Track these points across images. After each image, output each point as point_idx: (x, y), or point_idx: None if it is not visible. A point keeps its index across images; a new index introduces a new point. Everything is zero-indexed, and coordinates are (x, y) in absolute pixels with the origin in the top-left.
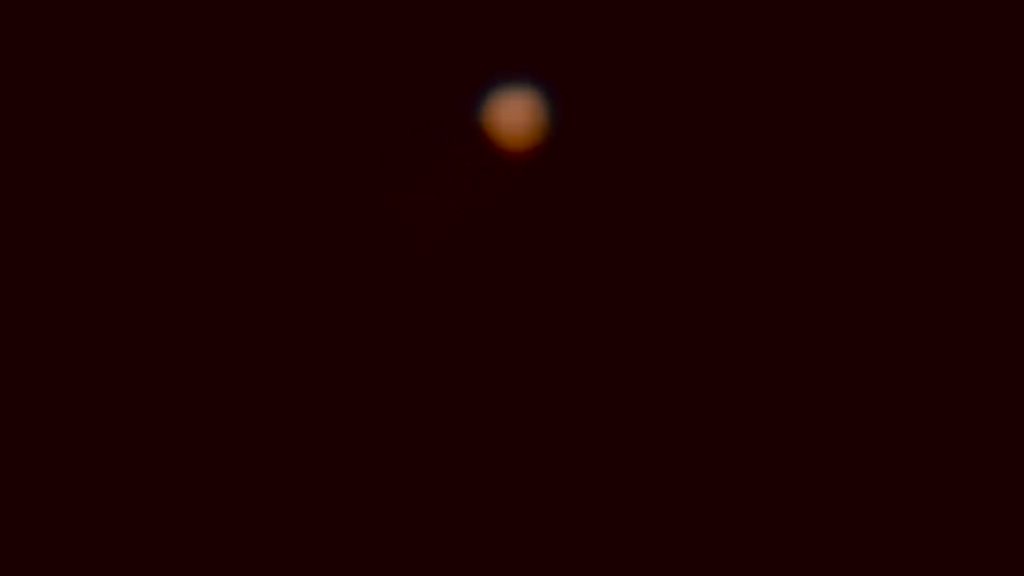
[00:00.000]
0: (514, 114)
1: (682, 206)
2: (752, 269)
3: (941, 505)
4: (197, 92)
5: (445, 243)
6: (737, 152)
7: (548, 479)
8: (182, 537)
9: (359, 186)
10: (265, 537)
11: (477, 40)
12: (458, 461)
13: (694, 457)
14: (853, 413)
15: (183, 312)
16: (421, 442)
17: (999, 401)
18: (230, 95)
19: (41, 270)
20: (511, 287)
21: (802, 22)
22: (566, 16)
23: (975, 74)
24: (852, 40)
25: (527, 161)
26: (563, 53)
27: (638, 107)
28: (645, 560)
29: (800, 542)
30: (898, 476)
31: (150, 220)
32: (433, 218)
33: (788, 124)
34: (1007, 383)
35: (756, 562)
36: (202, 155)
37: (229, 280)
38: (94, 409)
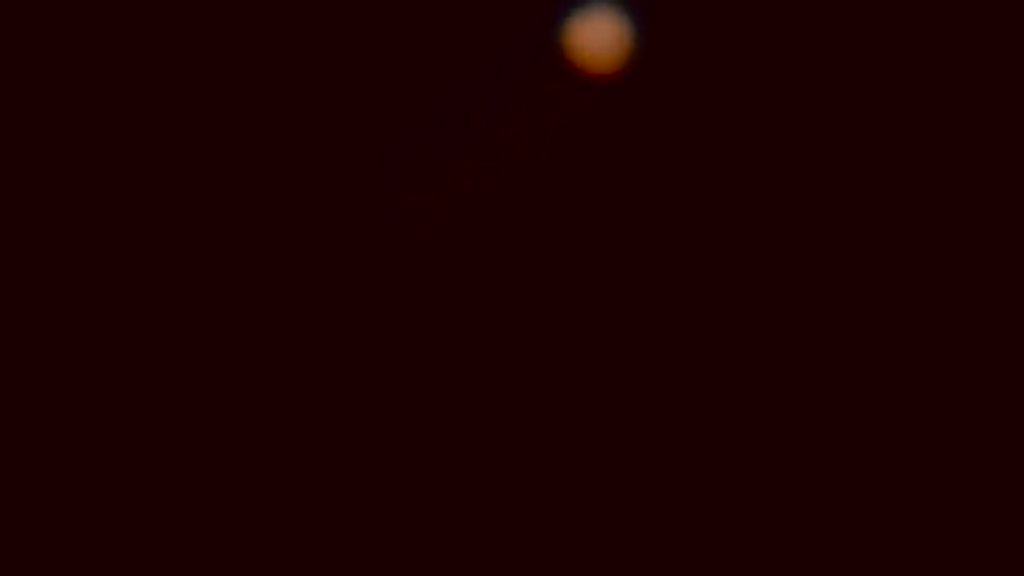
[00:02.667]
0: (597, 35)
1: (773, 136)
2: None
3: (941, 505)
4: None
5: (528, 168)
6: (840, 82)
7: (561, 477)
8: (182, 537)
9: (437, 107)
10: (265, 537)
11: None
12: (472, 457)
13: (701, 455)
14: (856, 413)
15: (185, 310)
16: (441, 436)
17: (999, 401)
18: (276, 53)
19: (41, 270)
20: (596, 214)
21: None
22: None
23: (975, 74)
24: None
25: (610, 85)
26: None
27: (727, 32)
28: (645, 560)
29: (800, 542)
30: (898, 476)
31: (151, 218)
32: (514, 142)
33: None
34: (1007, 383)
35: (756, 562)
36: (240, 133)
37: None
38: (94, 408)
